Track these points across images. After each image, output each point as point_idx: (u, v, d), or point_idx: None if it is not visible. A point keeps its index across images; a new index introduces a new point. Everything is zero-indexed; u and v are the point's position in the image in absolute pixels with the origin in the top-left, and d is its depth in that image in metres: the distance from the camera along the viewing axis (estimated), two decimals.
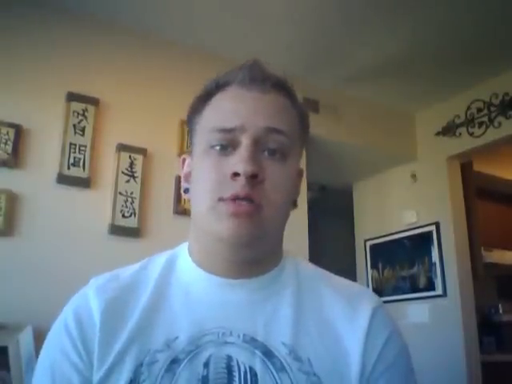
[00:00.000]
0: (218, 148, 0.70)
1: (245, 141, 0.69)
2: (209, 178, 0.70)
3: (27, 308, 1.90)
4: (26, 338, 1.80)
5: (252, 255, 0.72)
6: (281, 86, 0.75)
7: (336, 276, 0.82)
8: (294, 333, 0.70)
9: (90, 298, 0.72)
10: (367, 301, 0.75)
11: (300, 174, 0.79)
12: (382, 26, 2.49)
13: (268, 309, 0.72)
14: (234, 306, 0.71)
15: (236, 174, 0.67)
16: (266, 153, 0.70)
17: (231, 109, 0.72)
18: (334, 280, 0.80)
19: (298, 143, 0.76)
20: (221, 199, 0.68)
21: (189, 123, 0.79)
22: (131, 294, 0.73)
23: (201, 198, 0.71)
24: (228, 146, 0.70)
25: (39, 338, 1.72)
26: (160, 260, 0.79)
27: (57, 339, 0.71)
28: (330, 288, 0.77)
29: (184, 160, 0.81)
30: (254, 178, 0.67)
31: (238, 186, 0.67)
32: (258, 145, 0.70)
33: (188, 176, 0.78)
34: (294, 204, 0.77)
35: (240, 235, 0.67)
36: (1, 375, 1.74)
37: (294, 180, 0.75)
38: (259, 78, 0.74)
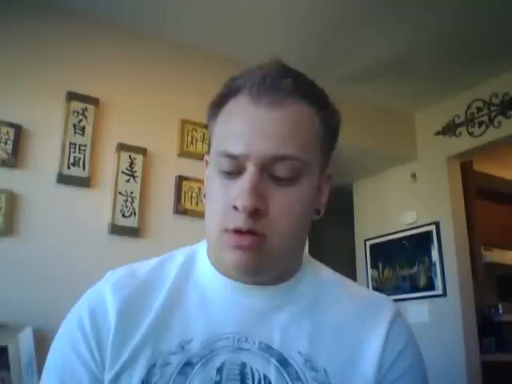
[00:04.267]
0: (225, 172, 0.67)
1: (248, 169, 0.64)
2: (216, 204, 0.67)
3: (27, 308, 1.90)
4: (25, 338, 1.80)
5: (261, 280, 0.70)
6: (302, 91, 0.68)
7: (355, 283, 0.81)
8: (311, 342, 0.68)
9: (106, 295, 0.70)
10: (385, 311, 0.74)
11: (327, 180, 0.75)
12: (382, 26, 2.49)
13: (285, 316, 0.70)
14: (250, 312, 0.70)
15: (236, 208, 0.64)
16: (271, 179, 0.65)
17: (237, 130, 0.66)
18: (352, 288, 0.79)
19: (319, 155, 0.70)
20: (225, 230, 0.65)
21: (207, 125, 0.75)
22: (147, 292, 0.71)
23: (210, 223, 0.69)
24: (234, 172, 0.66)
25: (39, 338, 1.71)
26: (178, 258, 0.76)
27: (69, 334, 0.69)
28: (348, 297, 0.75)
29: (207, 162, 0.76)
30: (255, 213, 0.63)
31: (241, 219, 0.64)
32: (263, 171, 0.65)
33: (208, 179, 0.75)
34: (318, 213, 0.75)
35: (246, 266, 0.65)
36: (1, 375, 1.74)
37: (308, 197, 0.69)
38: (272, 85, 0.66)
